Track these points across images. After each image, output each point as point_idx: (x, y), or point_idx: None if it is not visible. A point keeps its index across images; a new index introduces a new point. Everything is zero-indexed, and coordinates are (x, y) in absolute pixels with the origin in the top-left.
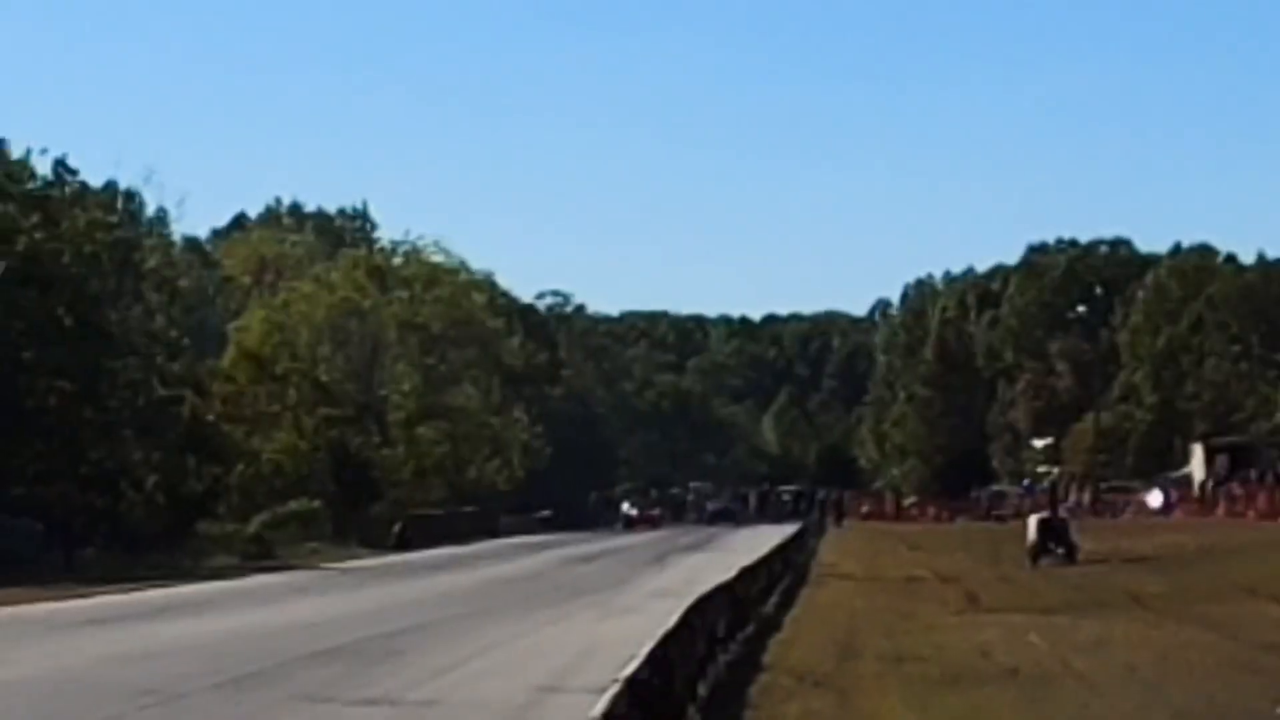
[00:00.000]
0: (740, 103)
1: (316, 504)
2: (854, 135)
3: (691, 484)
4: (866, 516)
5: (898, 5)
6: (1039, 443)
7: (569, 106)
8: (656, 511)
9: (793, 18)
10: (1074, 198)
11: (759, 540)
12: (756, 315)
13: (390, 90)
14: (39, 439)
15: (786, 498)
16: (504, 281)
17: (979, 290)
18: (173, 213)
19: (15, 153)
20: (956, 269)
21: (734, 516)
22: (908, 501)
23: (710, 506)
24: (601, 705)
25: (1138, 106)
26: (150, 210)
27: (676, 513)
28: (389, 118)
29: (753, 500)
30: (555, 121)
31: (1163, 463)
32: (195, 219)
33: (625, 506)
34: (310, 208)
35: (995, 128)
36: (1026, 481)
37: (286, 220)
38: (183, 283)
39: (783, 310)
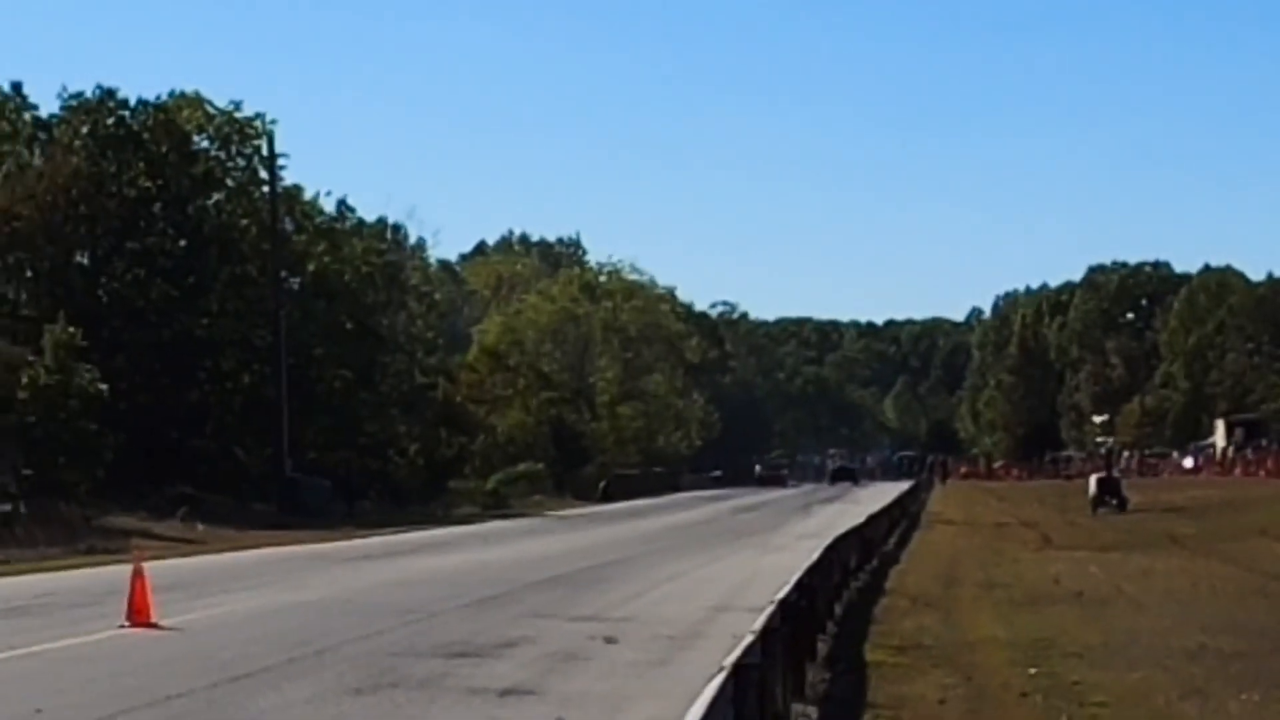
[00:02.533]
0: (869, 149)
1: (540, 466)
2: (957, 177)
3: (830, 450)
4: (964, 476)
5: (993, 70)
6: (1097, 419)
7: (732, 156)
8: (784, 471)
9: (907, 79)
10: (1125, 228)
11: (882, 494)
12: (880, 319)
13: (598, 141)
14: (327, 416)
15: (903, 461)
16: (684, 294)
17: (1051, 301)
18: (430, 241)
19: (308, 194)
20: (1034, 284)
21: (853, 475)
22: (996, 464)
23: (830, 465)
24: (760, 621)
25: (1177, 155)
26: (412, 239)
27: (815, 473)
28: (597, 164)
29: (872, 462)
30: (725, 165)
31: (1193, 434)
32: (447, 246)
33: (757, 468)
34: (535, 237)
35: (1067, 173)
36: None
37: (517, 247)
38: (437, 296)
39: (900, 316)
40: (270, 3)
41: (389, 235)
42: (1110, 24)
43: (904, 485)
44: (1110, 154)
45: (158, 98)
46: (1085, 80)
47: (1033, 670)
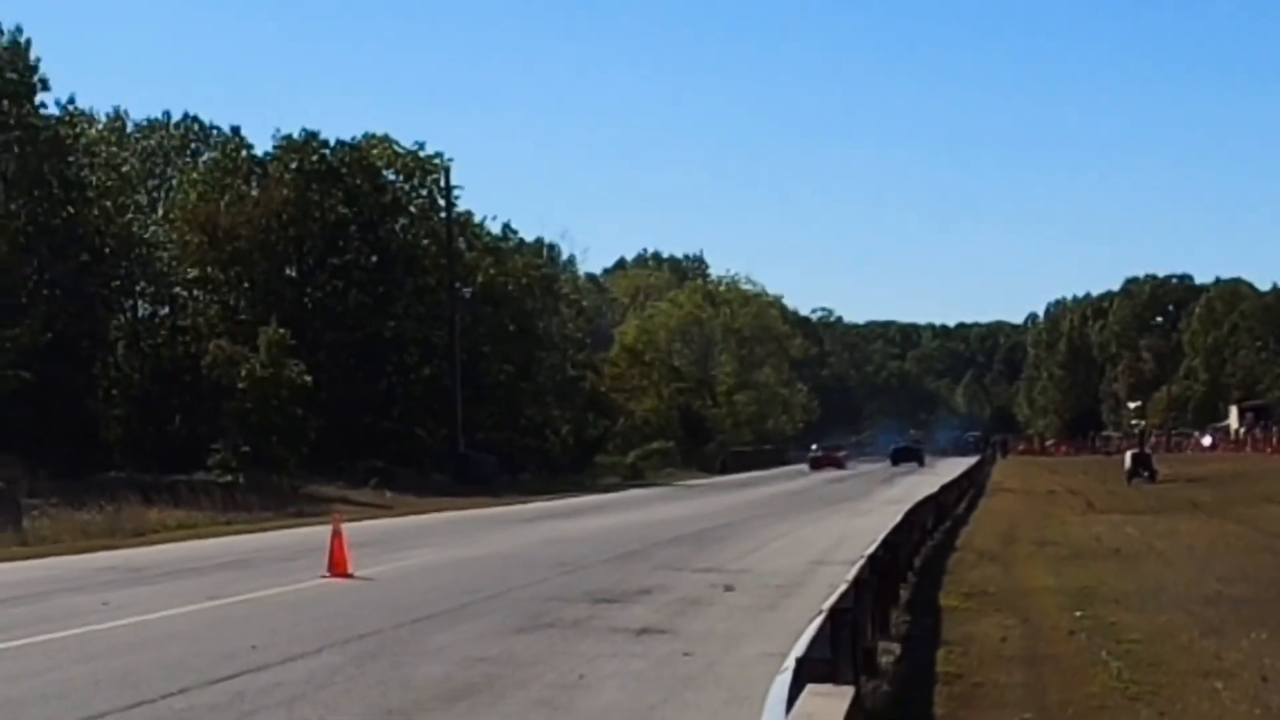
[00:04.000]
0: (944, 179)
1: (669, 444)
2: (1018, 202)
3: (910, 430)
4: (1022, 452)
5: (1050, 111)
6: (1132, 405)
7: (831, 182)
8: (842, 453)
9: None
10: (1156, 245)
11: (954, 467)
12: (952, 322)
13: (718, 172)
14: (493, 402)
15: (971, 440)
16: (790, 300)
17: (1094, 306)
18: (579, 257)
19: (477, 218)
20: (1080, 293)
21: (919, 455)
22: (1048, 442)
23: (894, 445)
24: (852, 572)
25: (1198, 183)
26: (565, 255)
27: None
28: (717, 192)
29: (944, 441)
30: (825, 190)
31: (1211, 417)
32: (593, 261)
33: (813, 448)
34: (666, 254)
35: (1108, 198)
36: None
37: (651, 262)
38: (585, 303)
39: (968, 319)
40: (448, 61)
41: (545, 252)
42: (1150, 75)
43: (971, 460)
44: (1143, 182)
45: (353, 139)
46: (1123, 119)
47: (1078, 613)
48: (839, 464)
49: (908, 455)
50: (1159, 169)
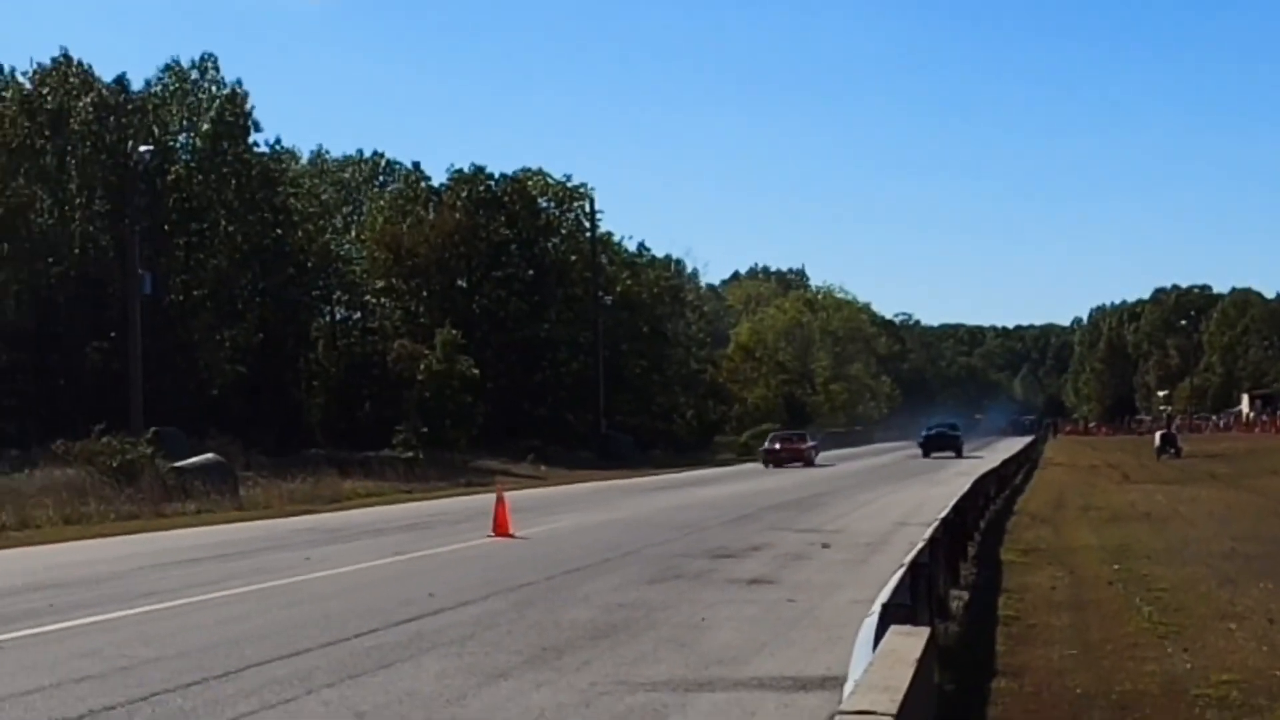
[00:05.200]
0: (1005, 205)
1: (776, 426)
2: (1064, 225)
3: (976, 415)
4: (1069, 433)
5: (1096, 146)
6: (1161, 394)
7: (910, 206)
8: (809, 444)
9: (1033, 160)
10: (1180, 258)
11: (1013, 446)
12: (1011, 324)
13: (817, 197)
14: (629, 392)
15: (1026, 423)
16: (877, 306)
17: (1129, 311)
18: (701, 270)
19: (616, 238)
20: (1117, 300)
21: (955, 444)
22: (1091, 425)
23: (925, 430)
24: (928, 533)
25: (1214, 204)
26: (689, 269)
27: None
28: (817, 214)
29: (1004, 424)
30: (905, 212)
31: (1226, 404)
32: (713, 273)
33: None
34: (773, 267)
35: (1141, 220)
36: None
37: (760, 274)
38: (706, 309)
39: (1025, 322)
40: (593, 104)
41: (673, 266)
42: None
43: (1027, 439)
44: (1171, 206)
45: (514, 171)
46: (1154, 151)
47: (1115, 566)
48: (803, 457)
49: (942, 443)
50: (1185, 194)
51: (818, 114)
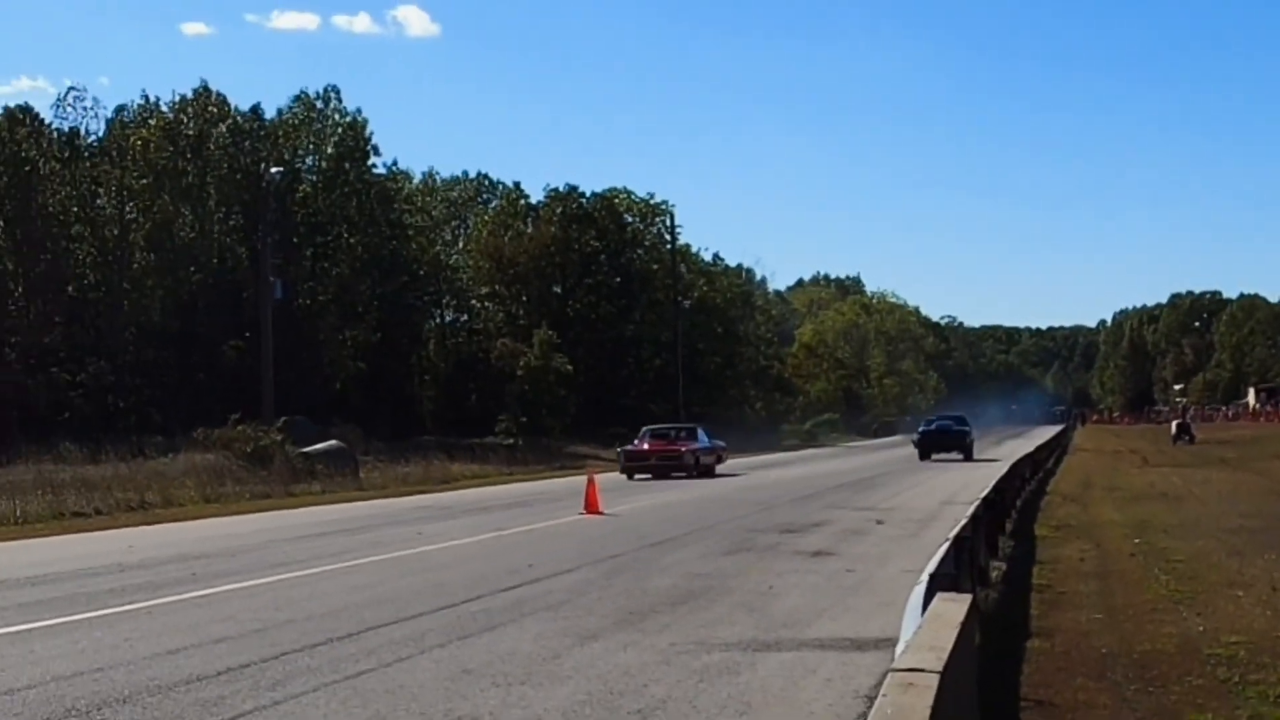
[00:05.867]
0: (1043, 221)
1: (835, 416)
2: (1092, 237)
3: (1014, 405)
4: (1095, 422)
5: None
6: (1177, 387)
7: (954, 219)
8: (687, 448)
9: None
10: (1195, 267)
11: (1045, 434)
12: (1044, 325)
13: (872, 212)
14: (705, 386)
15: (1057, 413)
16: (925, 310)
17: (1148, 314)
18: (769, 277)
19: (693, 249)
20: (1138, 304)
21: (960, 441)
22: (1114, 415)
23: (925, 425)
24: (971, 510)
25: (1224, 218)
26: (759, 276)
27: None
28: (872, 227)
29: (1038, 414)
30: (949, 224)
31: (1234, 396)
32: (779, 280)
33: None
34: (832, 275)
35: (1160, 233)
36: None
37: (821, 281)
38: (773, 312)
39: (1056, 323)
40: (673, 129)
41: (744, 274)
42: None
43: (1058, 427)
44: (1186, 218)
45: (603, 190)
46: (1170, 168)
47: (1136, 540)
48: (684, 466)
49: (945, 442)
50: (1198, 208)
51: (872, 138)
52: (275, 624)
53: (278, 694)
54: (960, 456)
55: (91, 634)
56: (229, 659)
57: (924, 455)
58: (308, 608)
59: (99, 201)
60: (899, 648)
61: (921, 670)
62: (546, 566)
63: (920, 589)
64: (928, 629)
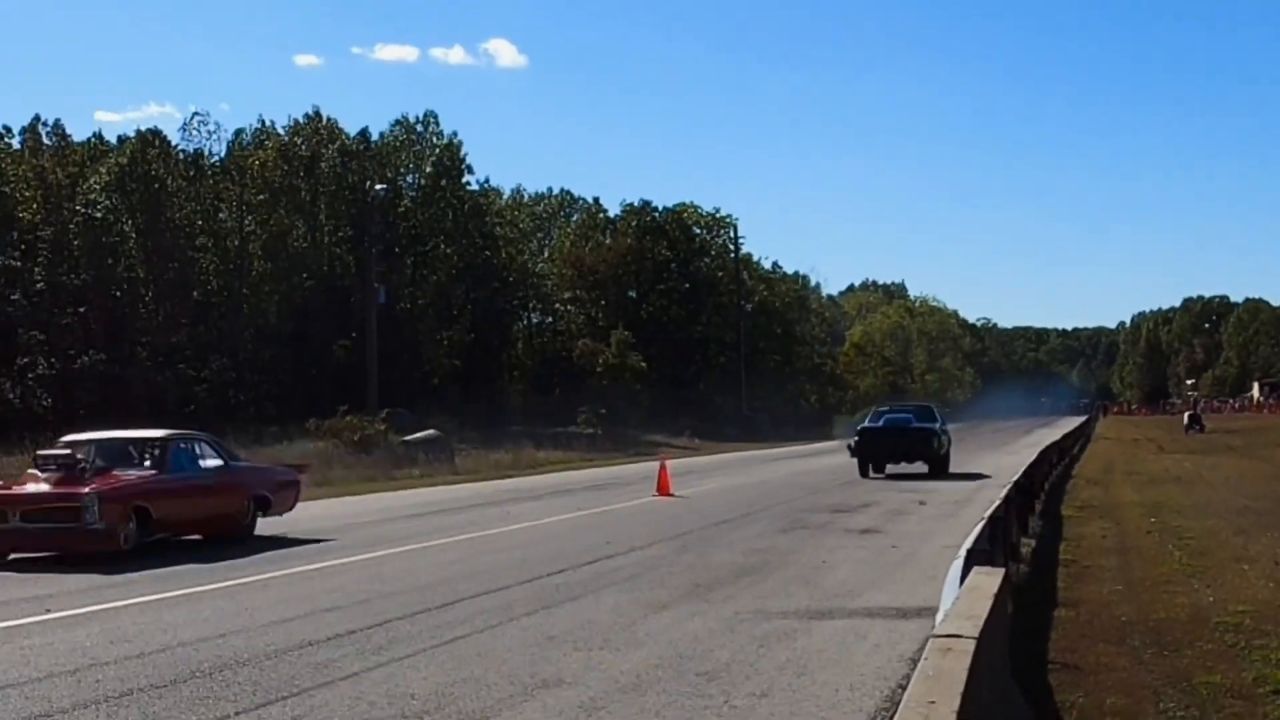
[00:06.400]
0: (1074, 234)
1: (884, 408)
2: (1116, 247)
3: (1043, 398)
4: (1115, 413)
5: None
6: (1189, 382)
7: (992, 228)
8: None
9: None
10: (1206, 273)
11: (1072, 423)
12: (1070, 326)
13: (916, 226)
14: (765, 381)
15: (1082, 404)
16: (963, 312)
17: (1163, 317)
18: (823, 283)
19: (755, 257)
20: (1154, 307)
21: (920, 445)
22: (1133, 407)
23: (871, 421)
24: (1004, 492)
25: (1235, 230)
26: (813, 282)
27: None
28: (917, 237)
29: (1065, 407)
30: (987, 232)
31: (1240, 390)
32: (832, 286)
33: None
34: (880, 281)
35: (1175, 243)
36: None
37: (869, 287)
38: (826, 314)
39: (1080, 324)
40: (737, 149)
41: (800, 280)
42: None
43: (1082, 418)
44: (1198, 228)
45: (673, 205)
46: (1185, 182)
47: (1153, 520)
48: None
49: (895, 447)
50: (1209, 221)
51: (915, 157)
52: (379, 595)
53: (381, 657)
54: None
55: (214, 604)
56: (338, 626)
57: (865, 470)
58: (407, 580)
59: (221, 215)
60: (939, 616)
61: (960, 636)
62: (622, 543)
63: (958, 563)
64: (965, 599)
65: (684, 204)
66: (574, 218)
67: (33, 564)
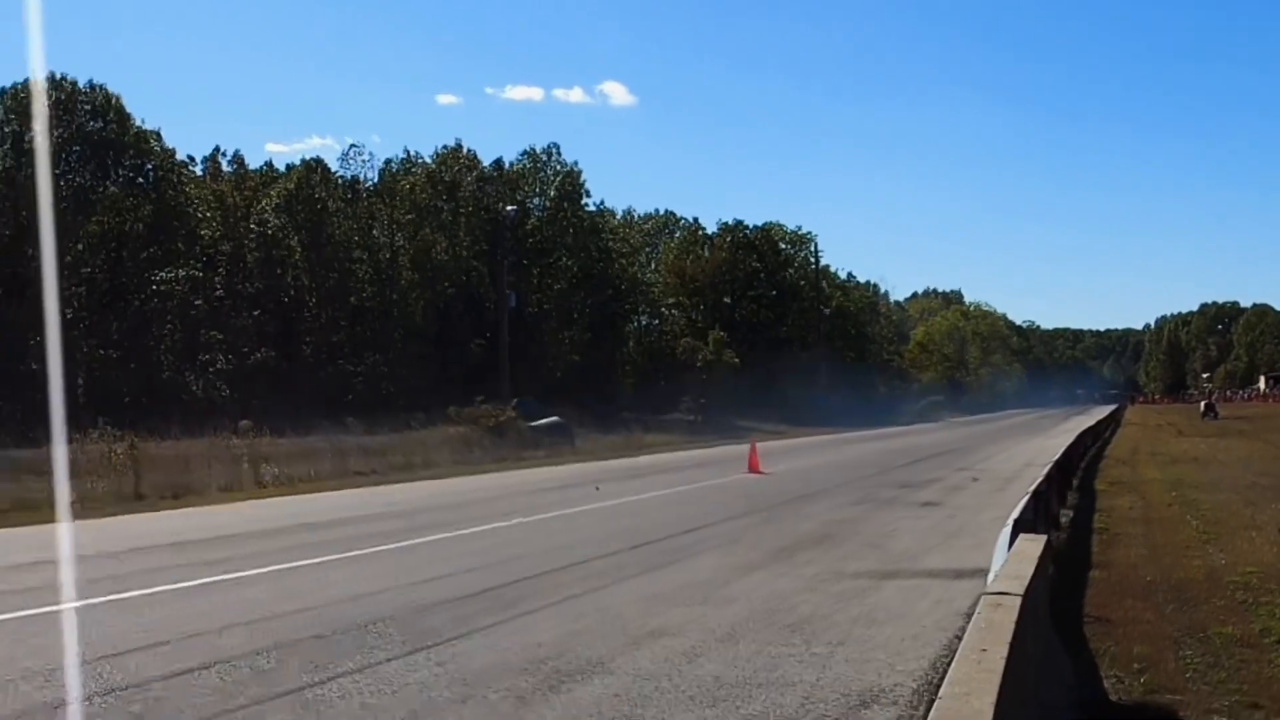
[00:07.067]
0: (1107, 248)
1: (941, 398)
2: (1143, 256)
3: (1079, 390)
4: (1141, 403)
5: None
6: (1204, 375)
7: (1036, 241)
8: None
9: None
10: (1218, 281)
11: (1103, 411)
12: (1102, 328)
13: (972, 241)
14: (841, 374)
15: (1113, 395)
16: (1011, 315)
17: (1182, 320)
18: (890, 291)
19: (832, 268)
20: (1174, 311)
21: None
22: (1156, 397)
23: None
24: (1045, 470)
25: (1246, 239)
26: (882, 289)
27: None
28: (973, 251)
29: (1098, 396)
30: (1031, 246)
31: (1248, 383)
32: (898, 292)
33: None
34: (939, 289)
35: (1195, 253)
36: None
37: (931, 294)
38: (894, 317)
39: (1112, 326)
40: (817, 173)
41: (871, 288)
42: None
43: (1112, 407)
44: (1211, 244)
45: (762, 223)
46: (1198, 202)
47: (1173, 493)
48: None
49: None
50: (1222, 236)
51: (969, 179)
52: (510, 557)
53: (513, 611)
54: None
55: (370, 565)
56: (474, 584)
57: None
58: (534, 545)
59: (374, 232)
60: (990, 576)
61: (1007, 594)
62: (716, 514)
63: (1006, 531)
64: (1012, 562)
65: (771, 223)
66: (676, 234)
67: (209, 531)
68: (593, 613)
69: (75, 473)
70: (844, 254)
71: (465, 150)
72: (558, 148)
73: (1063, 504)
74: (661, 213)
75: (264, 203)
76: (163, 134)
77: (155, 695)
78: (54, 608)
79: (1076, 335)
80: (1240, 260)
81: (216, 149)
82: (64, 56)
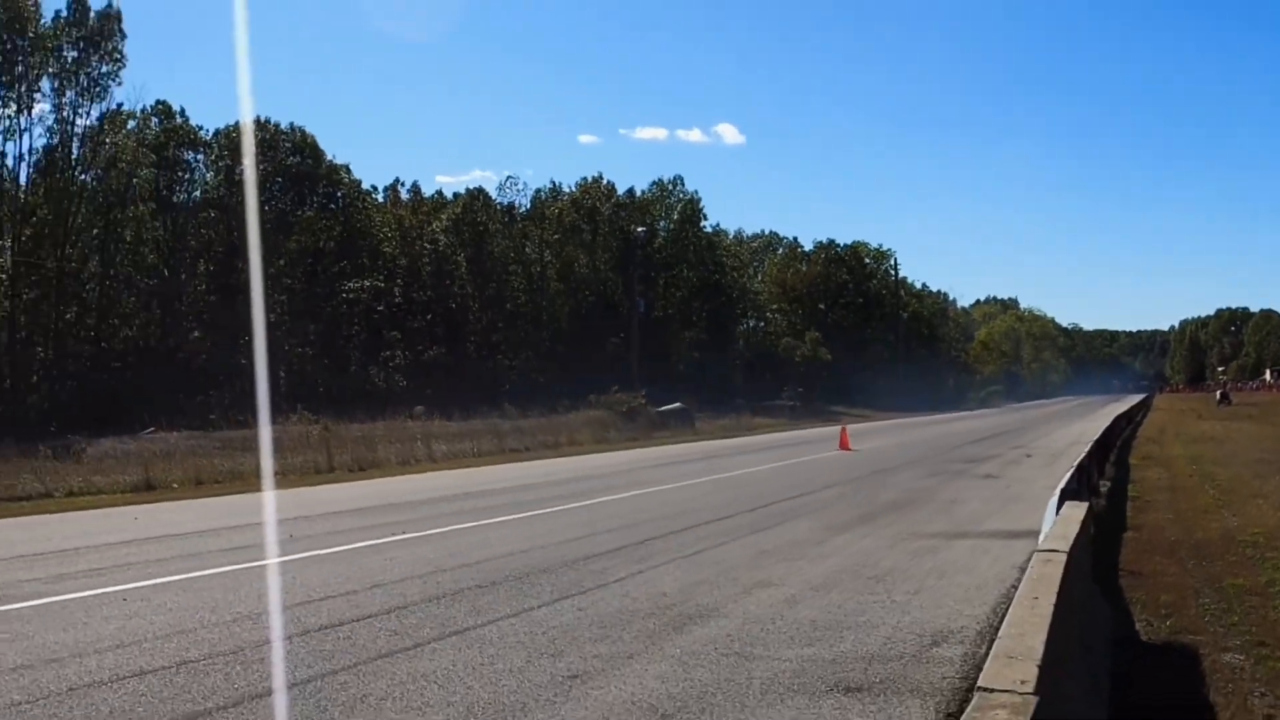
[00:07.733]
0: (1139, 261)
1: (999, 388)
2: (1169, 266)
3: (1115, 381)
4: (1167, 392)
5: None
6: (1220, 369)
7: (1084, 251)
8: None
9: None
10: (1232, 288)
11: (1136, 399)
12: (1134, 328)
13: (1031, 253)
14: (916, 368)
15: (1144, 385)
16: (1059, 318)
17: (1202, 323)
18: (958, 298)
19: (909, 279)
20: (1195, 315)
21: None
22: (1180, 387)
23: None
24: (1087, 448)
25: (1258, 249)
26: (951, 297)
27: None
28: (1027, 264)
29: (1131, 387)
30: (1079, 256)
31: (1257, 375)
32: (965, 299)
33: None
34: (998, 296)
35: (1214, 263)
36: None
37: (992, 301)
38: (960, 321)
39: (1143, 327)
40: (895, 196)
41: (942, 295)
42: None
43: (1143, 395)
44: (1228, 255)
45: (850, 242)
46: (1210, 215)
47: (1194, 467)
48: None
49: None
50: (1236, 247)
51: (1025, 201)
52: (639, 521)
53: (642, 565)
54: None
55: (524, 527)
56: (610, 543)
57: None
58: (660, 510)
59: (527, 249)
60: (1041, 537)
61: (1055, 551)
62: (812, 484)
63: (1054, 498)
64: (1059, 524)
65: (858, 241)
66: (779, 251)
67: (388, 499)
68: (710, 565)
69: (278, 450)
70: (919, 266)
71: (604, 181)
72: (681, 179)
73: (1102, 475)
74: (766, 233)
75: (435, 225)
76: (351, 167)
77: (345, 635)
78: (260, 562)
79: (1113, 335)
80: (1251, 271)
81: (396, 180)
82: (269, 100)
